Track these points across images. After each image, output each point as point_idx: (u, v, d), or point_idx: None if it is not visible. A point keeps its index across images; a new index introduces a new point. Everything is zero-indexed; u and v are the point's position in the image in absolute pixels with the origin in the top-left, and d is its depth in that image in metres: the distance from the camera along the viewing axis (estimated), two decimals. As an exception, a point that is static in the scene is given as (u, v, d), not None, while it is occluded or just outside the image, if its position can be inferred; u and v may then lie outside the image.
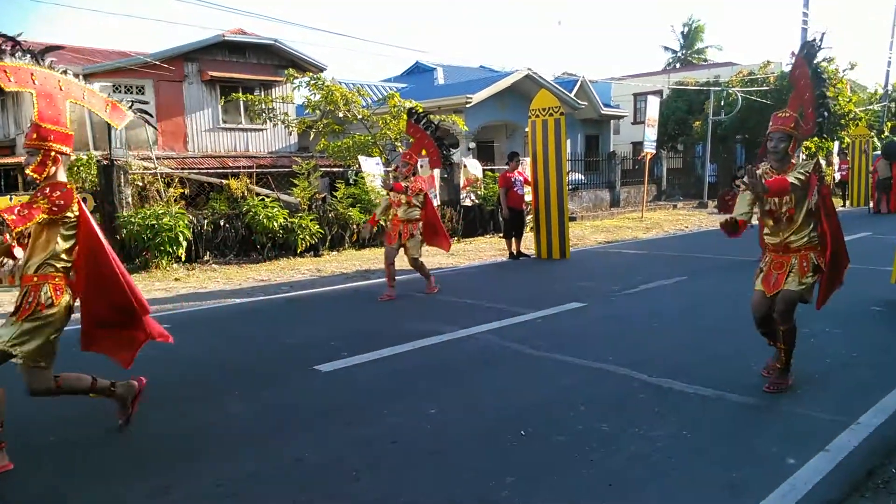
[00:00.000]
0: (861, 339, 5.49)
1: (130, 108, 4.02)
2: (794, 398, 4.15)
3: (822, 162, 19.34)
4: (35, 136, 3.42)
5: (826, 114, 4.78)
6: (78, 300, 3.67)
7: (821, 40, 4.86)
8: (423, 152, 9.15)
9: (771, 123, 4.22)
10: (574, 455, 3.40)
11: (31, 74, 3.47)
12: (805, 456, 3.30)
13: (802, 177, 4.02)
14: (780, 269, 4.24)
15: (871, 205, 18.40)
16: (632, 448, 3.47)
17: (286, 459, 3.43)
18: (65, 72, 3.65)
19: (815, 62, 4.78)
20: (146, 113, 4.17)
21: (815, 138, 21.20)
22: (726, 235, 4.31)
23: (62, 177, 3.54)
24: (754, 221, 4.51)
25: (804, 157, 17.27)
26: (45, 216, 3.35)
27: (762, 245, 4.48)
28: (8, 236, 3.40)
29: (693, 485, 3.08)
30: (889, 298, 7.03)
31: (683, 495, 2.99)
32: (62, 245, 3.47)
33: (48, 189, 3.39)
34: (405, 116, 13.24)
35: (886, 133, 27.43)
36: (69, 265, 3.54)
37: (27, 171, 3.45)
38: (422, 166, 13.71)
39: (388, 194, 7.89)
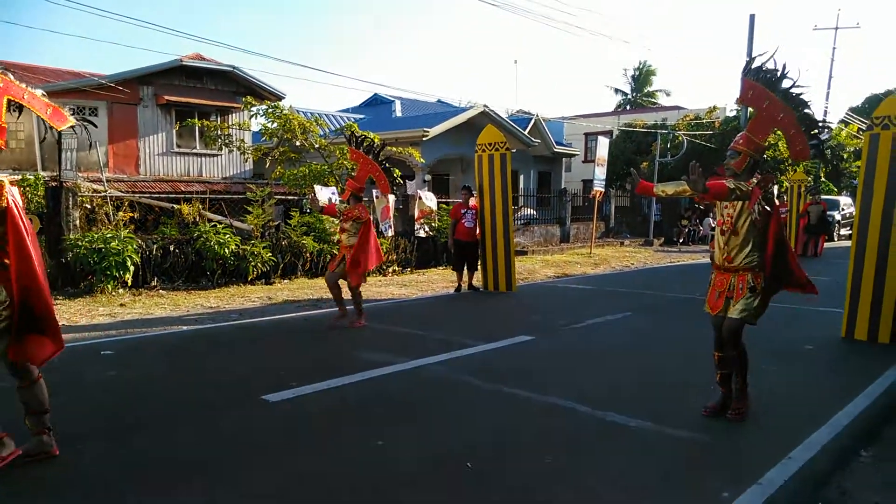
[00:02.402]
0: (794, 377, 5.75)
1: (75, 116, 3.88)
2: (730, 433, 4.31)
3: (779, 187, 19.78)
4: None
5: (818, 133, 4.31)
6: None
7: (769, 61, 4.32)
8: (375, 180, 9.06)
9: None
10: (518, 488, 3.46)
11: None
12: (739, 489, 3.43)
13: (743, 186, 4.22)
14: (721, 288, 4.48)
15: (797, 247, 19.02)
16: (574, 482, 3.55)
17: (230, 493, 3.38)
18: (4, 71, 3.54)
19: (781, 85, 4.30)
20: (90, 122, 4.05)
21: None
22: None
23: None
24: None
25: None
26: None
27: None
28: None
29: (632, 516, 3.17)
30: (820, 336, 7.38)
31: (622, 527, 3.07)
32: None
33: None
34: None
35: (822, 178, 28.81)
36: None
37: None
38: (377, 197, 13.85)
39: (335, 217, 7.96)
